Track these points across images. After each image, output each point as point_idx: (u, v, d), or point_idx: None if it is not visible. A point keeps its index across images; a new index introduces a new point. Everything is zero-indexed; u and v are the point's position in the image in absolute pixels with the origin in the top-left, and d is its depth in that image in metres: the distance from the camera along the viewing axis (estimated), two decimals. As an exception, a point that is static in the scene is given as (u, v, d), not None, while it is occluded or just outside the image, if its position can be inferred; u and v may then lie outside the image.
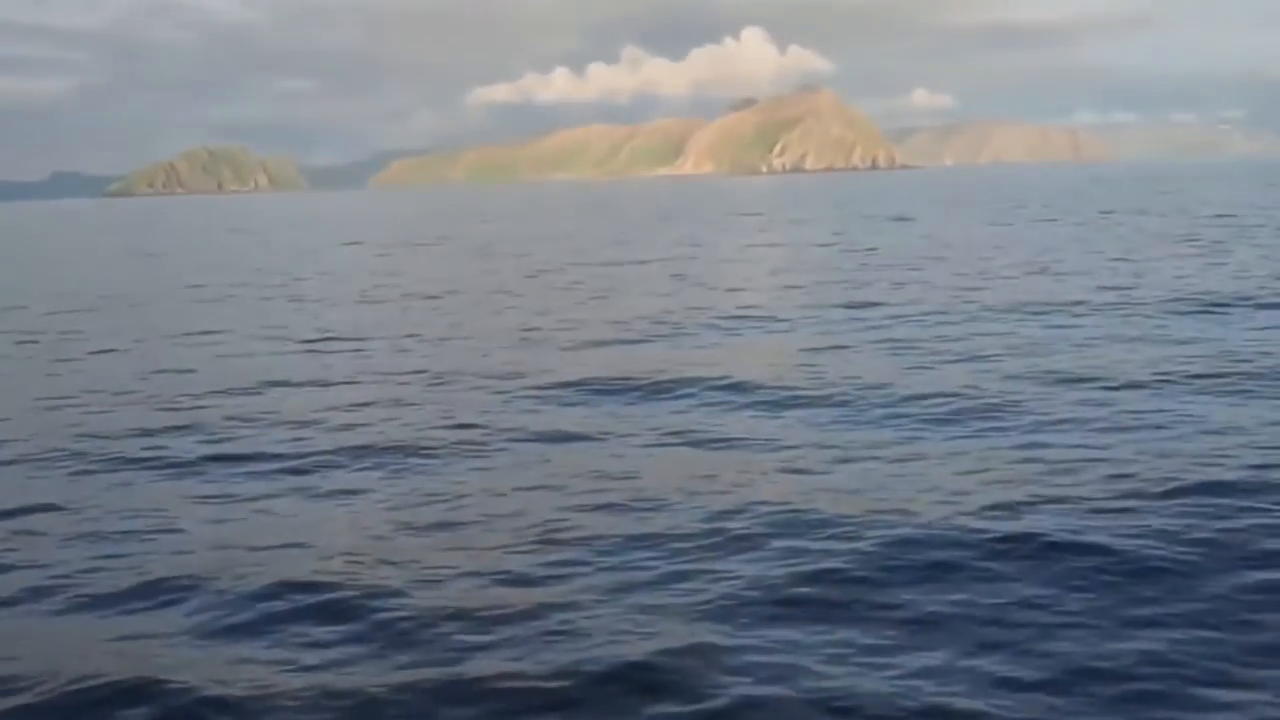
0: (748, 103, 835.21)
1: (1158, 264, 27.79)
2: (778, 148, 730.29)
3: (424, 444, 12.15)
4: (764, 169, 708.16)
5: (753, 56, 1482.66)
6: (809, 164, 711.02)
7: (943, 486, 9.93)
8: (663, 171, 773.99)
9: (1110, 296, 21.97)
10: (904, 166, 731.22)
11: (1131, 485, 9.61)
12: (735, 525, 9.19)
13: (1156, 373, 14.15)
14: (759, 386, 14.35)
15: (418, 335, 20.59)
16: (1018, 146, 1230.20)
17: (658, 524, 9.23)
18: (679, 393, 14.29)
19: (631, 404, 13.89)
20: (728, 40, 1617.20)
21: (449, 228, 72.05)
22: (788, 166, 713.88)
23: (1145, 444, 10.96)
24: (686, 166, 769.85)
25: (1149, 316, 19.22)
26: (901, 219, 57.48)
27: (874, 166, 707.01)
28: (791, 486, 10.20)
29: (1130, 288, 23.35)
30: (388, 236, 62.64)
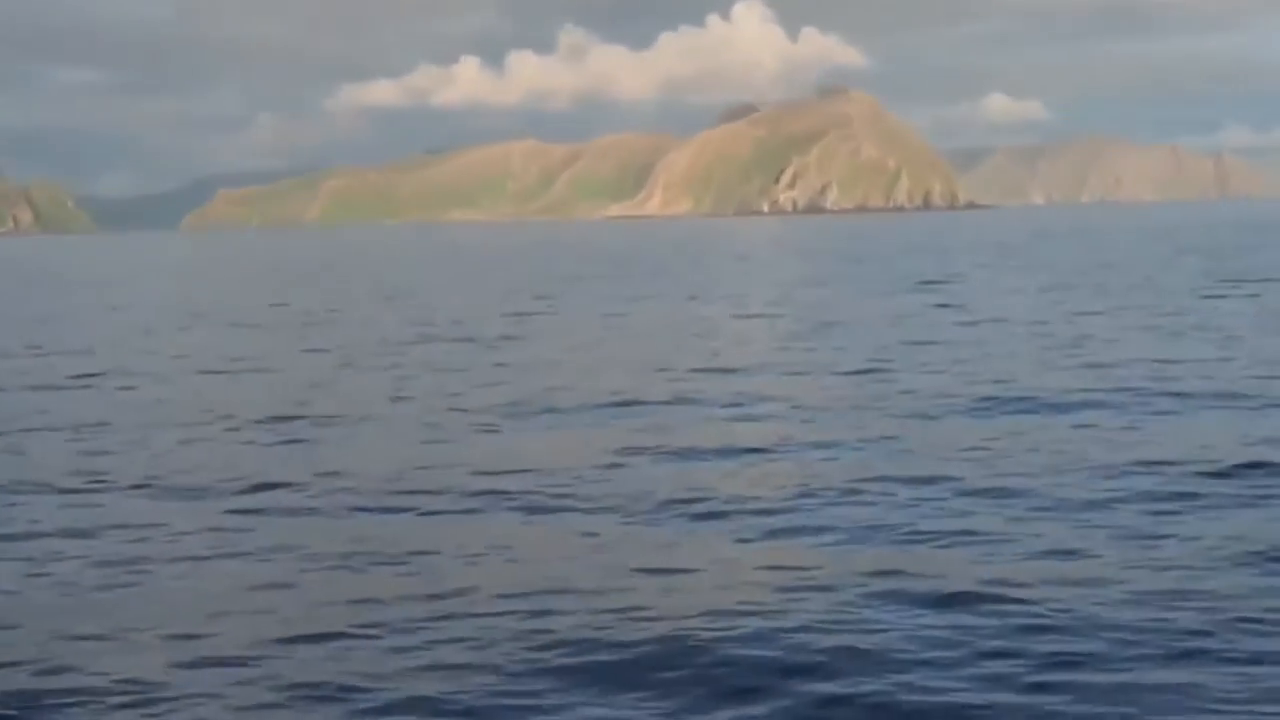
0: (743, 111, 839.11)
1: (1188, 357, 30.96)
2: (786, 176, 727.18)
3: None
4: (765, 207, 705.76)
5: (750, 44, 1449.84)
6: (832, 200, 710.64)
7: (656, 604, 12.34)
8: (616, 210, 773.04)
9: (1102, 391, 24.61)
10: (972, 205, 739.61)
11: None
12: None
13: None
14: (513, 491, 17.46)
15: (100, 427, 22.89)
16: (1139, 177, 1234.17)
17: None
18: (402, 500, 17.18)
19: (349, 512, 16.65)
20: (713, 20, 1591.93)
21: (247, 292, 73.31)
22: (801, 204, 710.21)
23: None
24: (652, 203, 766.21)
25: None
26: (928, 283, 58.93)
27: (926, 205, 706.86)
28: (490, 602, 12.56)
29: (1174, 379, 25.83)
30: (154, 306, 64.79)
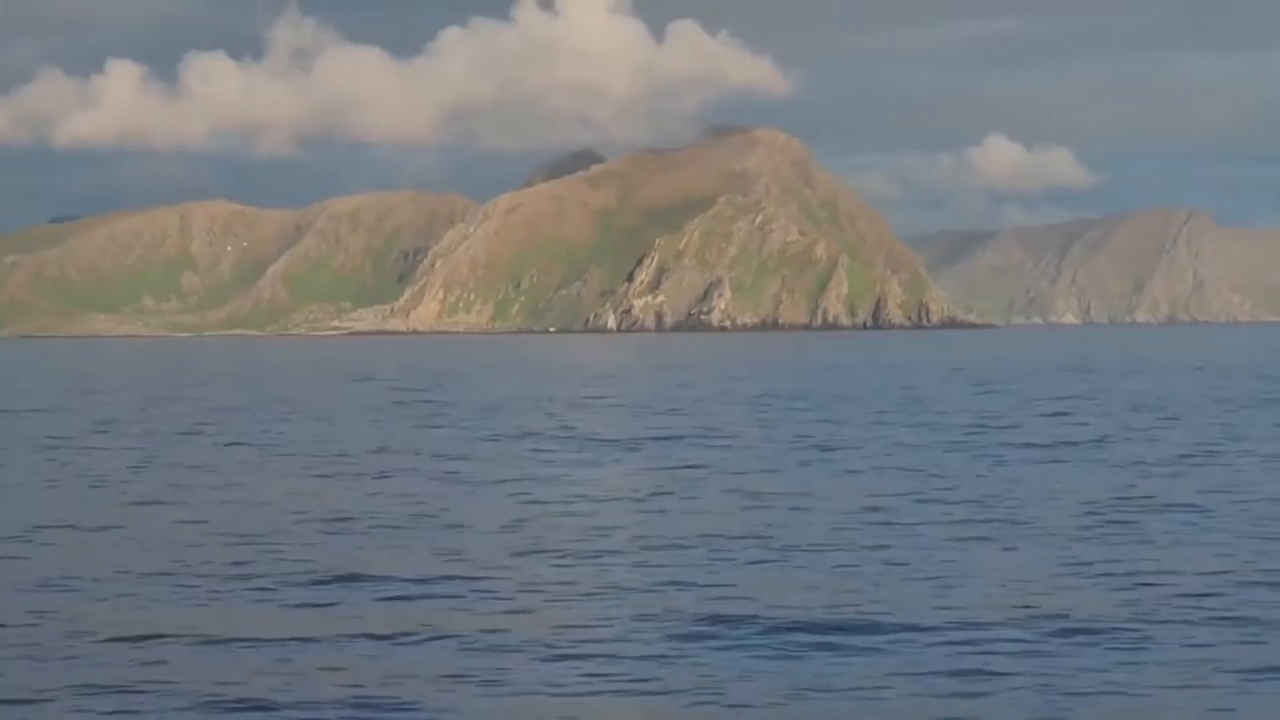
0: (576, 163, 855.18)
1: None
2: (646, 270, 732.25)
3: None
4: (612, 320, 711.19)
5: (589, 49, 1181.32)
6: (721, 311, 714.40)
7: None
8: (364, 320, 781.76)
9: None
10: (954, 323, 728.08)
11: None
12: None
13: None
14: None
15: None
16: (1232, 276, 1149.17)
17: None
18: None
19: None
20: (526, 8, 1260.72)
21: None
22: (671, 316, 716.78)
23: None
24: (424, 309, 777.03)
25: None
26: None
27: (878, 321, 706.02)
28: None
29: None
30: None
